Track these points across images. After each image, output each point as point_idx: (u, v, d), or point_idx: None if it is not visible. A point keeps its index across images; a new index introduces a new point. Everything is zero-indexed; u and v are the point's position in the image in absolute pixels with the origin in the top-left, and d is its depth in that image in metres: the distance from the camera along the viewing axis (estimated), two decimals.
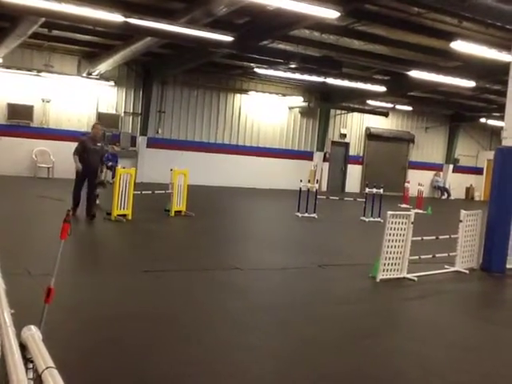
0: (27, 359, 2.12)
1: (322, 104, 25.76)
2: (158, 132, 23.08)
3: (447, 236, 9.61)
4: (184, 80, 23.03)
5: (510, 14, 10.02)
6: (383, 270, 8.25)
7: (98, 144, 12.03)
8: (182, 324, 5.65)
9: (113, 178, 16.50)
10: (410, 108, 26.96)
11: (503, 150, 9.95)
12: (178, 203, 13.56)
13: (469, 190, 30.45)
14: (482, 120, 27.51)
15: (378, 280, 8.15)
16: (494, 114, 25.24)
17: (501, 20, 11.06)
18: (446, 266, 9.42)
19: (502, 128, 10.06)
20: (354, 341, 5.67)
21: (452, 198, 28.91)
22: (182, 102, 23.45)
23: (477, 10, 10.57)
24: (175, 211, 13.40)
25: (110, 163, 19.53)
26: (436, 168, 29.69)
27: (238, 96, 24.59)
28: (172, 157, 21.68)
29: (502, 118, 10.17)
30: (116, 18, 12.56)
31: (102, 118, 21.74)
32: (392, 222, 8.23)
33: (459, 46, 13.08)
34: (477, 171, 30.30)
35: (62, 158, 20.51)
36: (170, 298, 6.65)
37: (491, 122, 26.61)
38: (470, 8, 10.50)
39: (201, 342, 5.17)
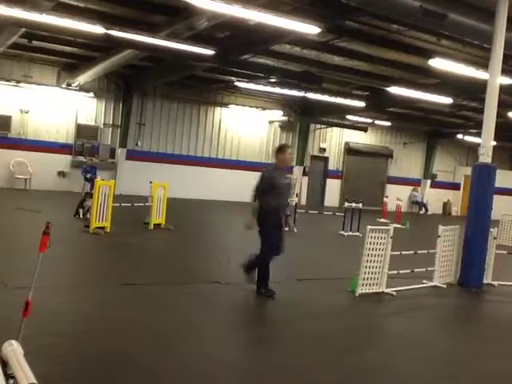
0: (8, 375, 2.09)
1: (302, 118, 25.91)
2: (137, 144, 23.01)
3: (425, 251, 9.68)
4: (164, 93, 23.05)
5: (487, 33, 10.18)
6: (362, 285, 8.28)
7: (288, 176, 8.79)
8: (162, 338, 5.60)
9: (91, 190, 16.38)
10: (388, 123, 27.23)
11: (480, 167, 10.09)
12: (158, 216, 13.50)
13: (446, 205, 30.74)
14: (460, 136, 27.88)
15: (357, 294, 8.18)
16: (471, 130, 25.61)
17: (478, 39, 11.24)
18: (424, 281, 9.49)
19: (478, 144, 10.19)
20: (335, 356, 5.67)
21: (430, 213, 29.16)
22: (162, 114, 23.43)
23: (455, 28, 10.74)
24: (154, 224, 13.34)
25: (89, 175, 19.40)
26: (414, 183, 29.96)
27: (218, 109, 24.64)
28: (151, 169, 21.63)
29: (478, 135, 10.33)
30: (97, 29, 12.53)
31: (80, 129, 21.65)
32: (371, 237, 8.27)
33: (437, 63, 13.27)
34: (454, 187, 30.61)
35: (40, 170, 20.38)
36: (149, 311, 6.59)
37: (468, 138, 26.96)
38: (448, 27, 10.66)
39: (179, 357, 5.13)
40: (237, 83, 19.97)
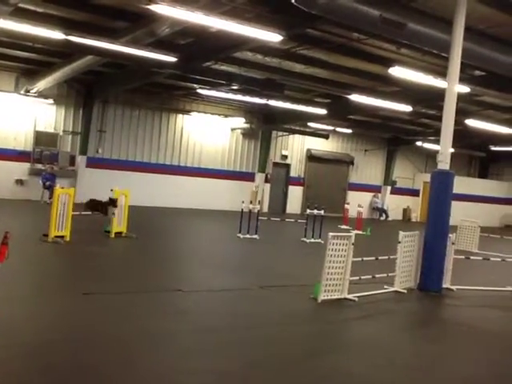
0: None
1: (264, 126, 25.98)
2: (98, 151, 22.71)
3: (386, 257, 9.80)
4: (126, 99, 22.82)
5: (445, 42, 10.38)
6: (324, 291, 8.32)
7: None
8: (124, 348, 5.52)
9: (50, 198, 16.11)
10: (350, 131, 27.54)
11: (438, 173, 10.27)
12: (119, 224, 13.33)
13: (406, 212, 31.19)
14: (419, 143, 28.38)
15: (319, 301, 8.21)
16: (430, 137, 26.08)
17: (436, 48, 11.45)
18: (385, 286, 9.59)
19: (437, 152, 10.38)
20: (298, 363, 5.67)
21: (390, 219, 29.54)
22: (123, 121, 23.19)
23: (413, 37, 10.92)
24: (116, 232, 13.16)
25: (48, 183, 19.07)
26: (375, 190, 30.33)
27: (180, 116, 24.53)
28: (112, 177, 21.38)
29: (437, 142, 10.50)
30: (56, 35, 12.36)
31: (39, 136, 21.27)
32: (333, 243, 8.33)
33: (397, 71, 13.49)
34: (413, 193, 31.09)
35: None
36: (111, 321, 6.49)
37: (427, 145, 27.44)
38: (407, 35, 10.83)
39: (142, 366, 5.06)
40: (199, 90, 19.94)
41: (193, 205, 23.49)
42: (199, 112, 24.59)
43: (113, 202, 12.78)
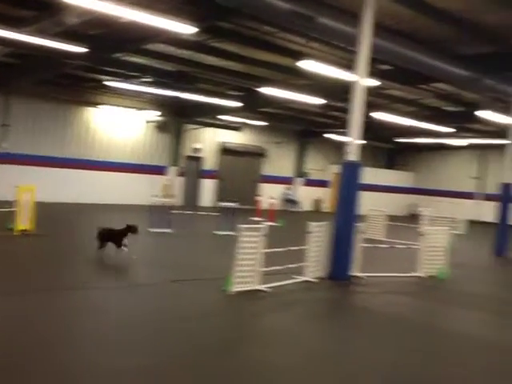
0: None
1: (177, 119, 25.74)
2: (0, 146, 21.69)
3: (297, 247, 9.97)
4: (33, 91, 21.82)
5: (353, 36, 10.65)
6: (237, 283, 8.38)
7: None
8: (37, 348, 5.34)
9: None
10: (262, 123, 27.77)
11: (347, 164, 10.55)
12: (24, 221, 12.82)
13: (317, 202, 31.85)
14: (329, 135, 29.03)
15: (231, 293, 8.26)
16: (340, 130, 26.69)
17: (345, 42, 11.73)
18: (296, 277, 9.78)
19: (346, 143, 10.66)
20: (213, 355, 5.69)
21: (302, 210, 30.07)
22: (30, 114, 22.22)
23: (323, 31, 11.12)
24: (21, 230, 12.65)
25: None
26: (287, 181, 30.76)
27: (91, 109, 23.82)
28: (19, 172, 20.49)
29: (346, 134, 10.77)
30: None
31: None
32: (245, 235, 8.39)
33: (306, 64, 13.67)
34: (324, 184, 31.80)
35: None
36: (19, 322, 6.26)
37: (337, 137, 28.10)
38: (316, 29, 11.02)
39: (60, 363, 4.92)
40: (110, 82, 19.46)
41: (105, 200, 22.97)
42: (111, 105, 23.98)
43: (130, 229, 10.67)
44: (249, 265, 8.54)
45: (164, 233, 14.72)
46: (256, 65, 16.90)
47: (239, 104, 21.06)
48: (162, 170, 25.71)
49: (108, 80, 19.28)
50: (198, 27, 11.12)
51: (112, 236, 10.65)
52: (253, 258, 8.58)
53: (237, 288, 8.36)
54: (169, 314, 7.18)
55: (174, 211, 15.97)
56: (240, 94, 21.24)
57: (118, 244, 10.52)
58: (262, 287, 8.70)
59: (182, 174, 26.40)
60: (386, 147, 34.66)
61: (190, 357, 5.56)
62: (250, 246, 8.53)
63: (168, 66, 17.64)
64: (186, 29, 10.93)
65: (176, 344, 5.93)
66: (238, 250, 8.33)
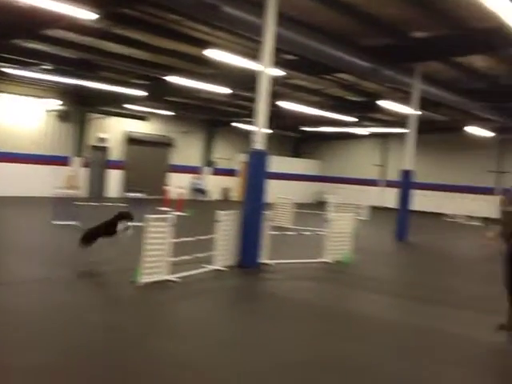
0: None
1: (80, 108, 24.95)
2: None
3: (206, 236, 9.98)
4: None
5: (256, 25, 10.72)
6: (145, 274, 8.28)
7: None
8: None
9: None
10: (170, 113, 27.48)
11: (254, 153, 10.64)
12: None
13: (226, 191, 31.97)
14: (237, 124, 29.16)
15: (140, 284, 8.15)
16: (247, 119, 26.86)
17: (249, 31, 11.78)
18: (206, 266, 9.78)
19: (253, 132, 10.74)
20: (123, 348, 5.61)
21: (211, 199, 30.10)
22: None
23: (226, 20, 11.12)
24: None
25: None
26: (195, 171, 30.66)
27: None
28: None
29: (253, 123, 10.84)
30: None
31: None
32: (152, 226, 8.30)
33: (212, 53, 13.64)
34: (232, 173, 31.94)
35: None
36: None
37: (244, 126, 28.28)
38: (221, 18, 11.00)
39: None
40: (7, 69, 18.56)
41: (5, 192, 21.96)
42: (10, 93, 22.89)
43: (125, 216, 9.87)
44: (157, 255, 8.46)
45: (69, 225, 14.28)
46: (162, 53, 16.66)
47: (145, 93, 20.73)
48: (65, 160, 24.89)
49: (5, 67, 18.39)
50: (98, 13, 10.83)
51: (101, 232, 9.68)
52: (161, 248, 8.51)
53: (145, 279, 8.26)
54: (74, 308, 6.99)
55: (78, 203, 15.52)
56: (146, 82, 20.88)
57: (111, 233, 9.63)
58: (172, 277, 8.64)
59: (86, 165, 25.67)
60: (292, 136, 35.24)
61: (97, 351, 5.44)
62: (158, 236, 8.45)
63: (69, 53, 17.01)
64: (86, 14, 10.61)
65: (79, 339, 5.78)
66: (146, 241, 8.23)
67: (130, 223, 9.73)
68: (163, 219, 8.59)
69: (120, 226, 9.62)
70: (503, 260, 6.82)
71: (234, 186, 31.79)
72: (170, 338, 6.15)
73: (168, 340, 6.04)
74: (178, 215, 9.98)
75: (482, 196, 28.61)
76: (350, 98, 23.26)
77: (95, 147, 26.18)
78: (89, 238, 9.61)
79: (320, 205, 25.38)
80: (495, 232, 6.70)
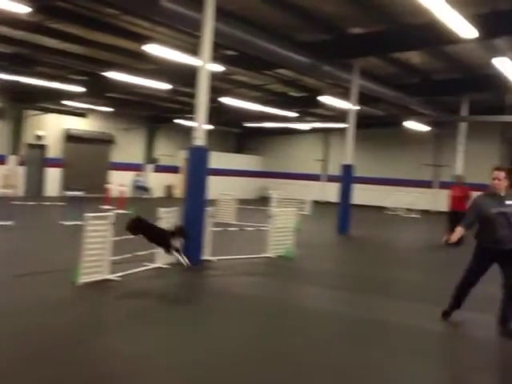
0: None
1: (16, 104, 24.19)
2: None
3: None
4: None
5: (195, 20, 10.63)
6: (85, 274, 8.11)
7: (508, 202, 6.77)
8: None
9: None
10: (110, 109, 26.99)
11: (195, 149, 10.58)
12: None
13: (169, 189, 31.70)
14: (179, 121, 28.90)
15: (80, 284, 7.98)
16: (188, 115, 26.67)
17: (188, 26, 11.70)
18: (148, 264, 9.66)
19: (193, 128, 10.67)
20: (64, 350, 5.48)
21: (154, 196, 29.77)
22: None
23: (166, 14, 11.00)
24: None
25: None
26: (137, 168, 30.26)
27: None
28: None
29: (195, 119, 10.77)
30: None
31: None
32: (92, 225, 8.13)
33: (152, 49, 13.48)
34: (175, 170, 31.69)
35: None
36: None
37: (186, 122, 28.06)
38: (159, 12, 10.88)
39: None
40: None
41: None
42: None
43: (180, 232, 9.09)
44: (97, 254, 8.30)
45: (4, 225, 13.84)
46: (100, 48, 16.34)
47: (83, 89, 20.28)
48: (1, 159, 24.13)
49: None
50: (31, 6, 10.55)
51: (151, 234, 8.96)
52: (101, 247, 8.35)
53: (86, 279, 8.09)
54: (11, 310, 6.78)
55: (15, 202, 15.07)
56: (84, 78, 20.42)
57: (165, 246, 8.81)
58: (113, 276, 8.50)
59: (23, 163, 24.94)
60: (235, 132, 35.24)
61: (38, 354, 5.29)
62: (98, 234, 8.29)
63: (2, 48, 16.52)
64: (18, 8, 10.31)
65: (14, 343, 5.61)
66: (86, 240, 8.06)
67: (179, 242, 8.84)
68: (103, 217, 8.43)
69: (174, 242, 8.75)
70: (472, 257, 6.95)
71: (177, 183, 31.54)
72: (110, 337, 6.04)
73: (111, 337, 5.94)
74: (120, 213, 9.81)
75: (421, 189, 29.33)
76: (291, 93, 23.43)
77: (33, 145, 25.48)
78: (137, 229, 8.95)
79: (263, 200, 25.49)
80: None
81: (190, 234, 8.74)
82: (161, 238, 8.89)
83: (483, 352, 6.38)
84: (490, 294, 7.52)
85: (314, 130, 32.45)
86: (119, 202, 19.35)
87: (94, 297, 7.75)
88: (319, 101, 20.80)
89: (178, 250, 8.49)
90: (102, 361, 5.26)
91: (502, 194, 6.68)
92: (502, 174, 6.63)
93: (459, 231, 6.75)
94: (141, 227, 9.04)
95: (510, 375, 5.97)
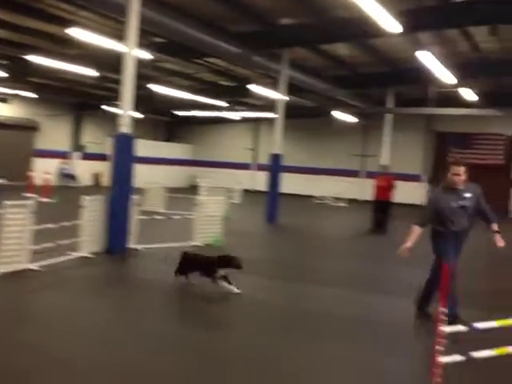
0: None
1: None
2: None
3: (71, 222, 9.66)
4: None
5: (121, 5, 10.44)
6: (2, 264, 7.87)
7: (466, 195, 6.70)
8: None
9: None
10: (34, 95, 26.14)
11: (120, 137, 10.43)
12: None
13: (96, 176, 31.09)
14: (107, 108, 28.30)
15: None
16: (116, 102, 26.17)
17: (113, 11, 11.49)
18: (71, 253, 9.49)
19: (119, 115, 10.52)
20: None
21: (81, 184, 29.13)
22: None
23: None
24: None
25: None
26: (63, 156, 29.51)
27: None
28: None
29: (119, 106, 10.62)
30: None
31: None
32: (9, 213, 7.90)
33: (76, 33, 13.11)
34: (103, 158, 31.05)
35: None
36: None
37: (114, 109, 27.53)
38: None
39: None
40: None
41: None
42: None
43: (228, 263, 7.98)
44: (16, 243, 8.07)
45: None
46: (23, 32, 15.81)
47: (5, 74, 19.55)
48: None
49: None
50: None
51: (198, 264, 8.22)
52: (20, 236, 8.12)
53: (4, 269, 7.86)
54: None
55: None
56: (5, 62, 19.67)
57: (208, 274, 7.98)
58: (33, 266, 8.29)
59: None
60: (165, 120, 34.86)
61: None
62: (17, 223, 8.05)
63: None
64: None
65: None
66: (3, 228, 7.82)
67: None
68: (22, 205, 8.20)
69: (220, 272, 7.93)
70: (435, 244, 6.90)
71: (104, 170, 30.93)
72: (30, 328, 5.90)
73: (31, 329, 5.81)
74: (43, 201, 9.57)
75: (348, 178, 29.97)
76: (221, 82, 23.39)
77: None
78: (183, 267, 8.31)
79: (193, 189, 25.37)
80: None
81: (240, 262, 7.97)
82: (209, 270, 8.03)
83: None
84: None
85: (244, 120, 32.53)
86: (44, 189, 18.84)
87: (13, 287, 7.54)
88: (249, 90, 20.84)
89: (225, 278, 7.92)
90: (14, 352, 5.13)
91: (461, 187, 6.65)
92: (462, 169, 6.58)
93: (416, 232, 6.57)
94: (186, 264, 8.35)
95: None
